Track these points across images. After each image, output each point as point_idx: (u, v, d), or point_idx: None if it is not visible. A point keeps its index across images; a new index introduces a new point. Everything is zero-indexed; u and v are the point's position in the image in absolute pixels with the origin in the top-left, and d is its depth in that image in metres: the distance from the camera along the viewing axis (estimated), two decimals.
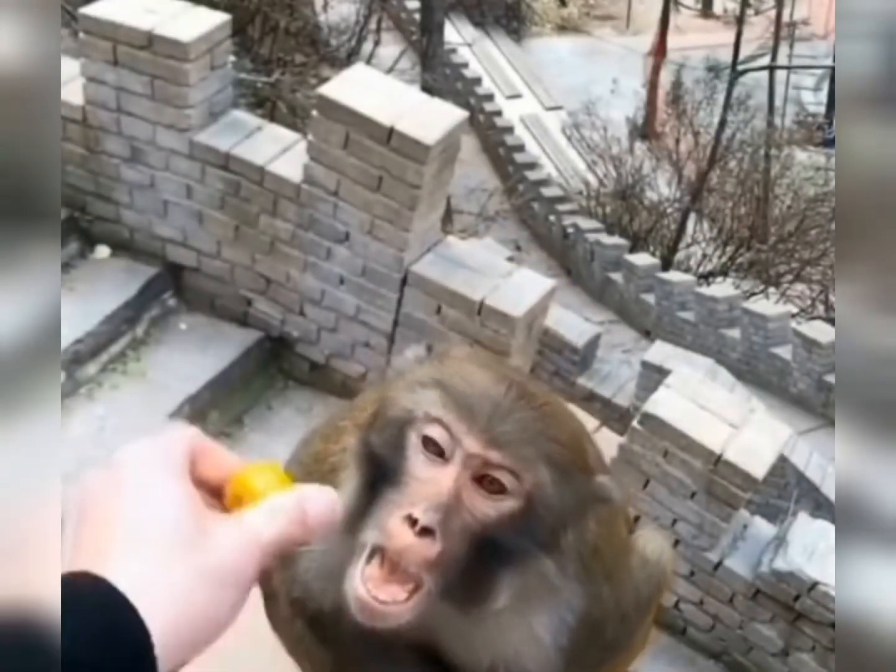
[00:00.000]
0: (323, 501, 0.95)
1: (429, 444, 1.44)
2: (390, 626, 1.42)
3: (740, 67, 19.63)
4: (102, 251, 4.67)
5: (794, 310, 14.67)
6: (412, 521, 1.37)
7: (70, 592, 0.77)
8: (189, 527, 0.87)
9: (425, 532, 1.36)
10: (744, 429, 4.33)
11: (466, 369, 1.52)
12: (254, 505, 0.92)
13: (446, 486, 1.40)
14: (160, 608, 0.81)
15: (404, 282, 4.26)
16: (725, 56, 20.49)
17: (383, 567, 1.41)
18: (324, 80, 6.30)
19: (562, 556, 1.51)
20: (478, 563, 1.43)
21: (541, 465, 1.44)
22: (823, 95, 23.35)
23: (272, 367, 4.69)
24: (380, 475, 1.46)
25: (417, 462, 1.44)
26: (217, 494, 0.95)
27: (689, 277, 13.92)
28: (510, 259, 7.90)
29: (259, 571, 0.90)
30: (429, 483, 1.41)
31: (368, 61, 12.69)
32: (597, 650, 1.77)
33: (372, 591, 1.39)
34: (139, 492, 0.88)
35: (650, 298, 13.45)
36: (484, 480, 1.42)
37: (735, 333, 12.15)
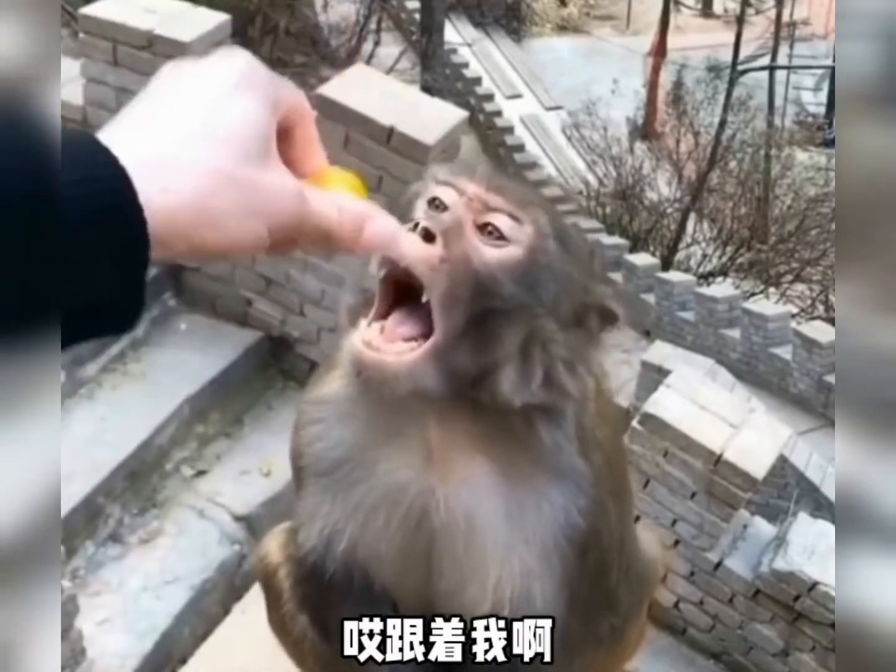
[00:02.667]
0: (385, 228, 0.91)
1: (434, 202, 1.42)
2: (392, 384, 1.36)
3: (740, 67, 19.63)
4: None
5: (794, 310, 14.66)
6: (414, 226, 1.33)
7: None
8: (248, 143, 0.81)
9: (427, 235, 1.33)
10: (744, 429, 4.33)
11: (481, 161, 1.56)
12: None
13: (448, 215, 1.38)
14: (171, 186, 0.75)
15: None
16: (726, 56, 20.48)
17: (386, 323, 1.36)
18: (324, 80, 6.29)
19: (566, 328, 1.44)
20: (481, 322, 1.38)
21: (541, 213, 1.43)
22: (823, 95, 23.35)
23: (272, 367, 4.69)
24: None
25: (423, 212, 1.42)
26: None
27: (689, 277, 13.91)
28: None
29: (277, 238, 0.83)
30: (433, 216, 1.39)
31: (368, 61, 12.70)
32: (600, 601, 1.70)
33: (373, 344, 1.35)
34: (218, 91, 0.82)
35: (650, 298, 13.44)
36: (485, 229, 1.40)
37: (735, 333, 12.14)
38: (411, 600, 1.71)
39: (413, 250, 1.31)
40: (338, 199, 0.88)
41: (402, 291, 1.37)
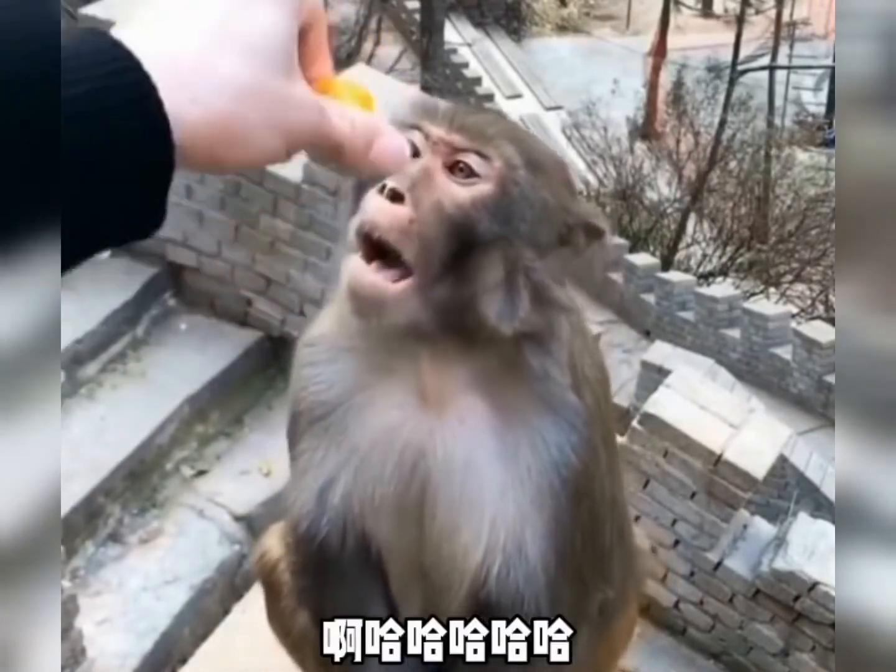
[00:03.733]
0: (394, 145, 0.89)
1: None
2: (384, 311, 1.40)
3: (740, 67, 19.62)
4: (103, 252, 4.68)
5: (794, 310, 14.66)
6: (383, 189, 1.37)
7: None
8: (275, 54, 0.78)
9: (394, 196, 1.37)
10: (744, 429, 4.33)
11: (446, 102, 1.54)
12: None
13: (416, 166, 1.40)
14: (202, 98, 0.72)
15: None
16: (726, 56, 20.48)
17: (374, 254, 1.39)
18: None
19: (546, 258, 1.45)
20: (462, 257, 1.40)
21: (508, 145, 1.43)
22: (823, 95, 23.35)
23: (272, 367, 4.69)
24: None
25: None
26: None
27: (689, 277, 13.91)
28: None
29: (292, 151, 0.81)
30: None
31: (368, 61, 12.70)
32: (593, 563, 1.68)
33: (363, 273, 1.39)
34: None
35: (650, 298, 13.44)
36: (455, 168, 1.42)
37: (735, 333, 12.14)
38: (403, 564, 1.70)
39: (382, 217, 1.36)
40: (350, 112, 0.87)
41: (380, 245, 1.40)
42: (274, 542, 1.93)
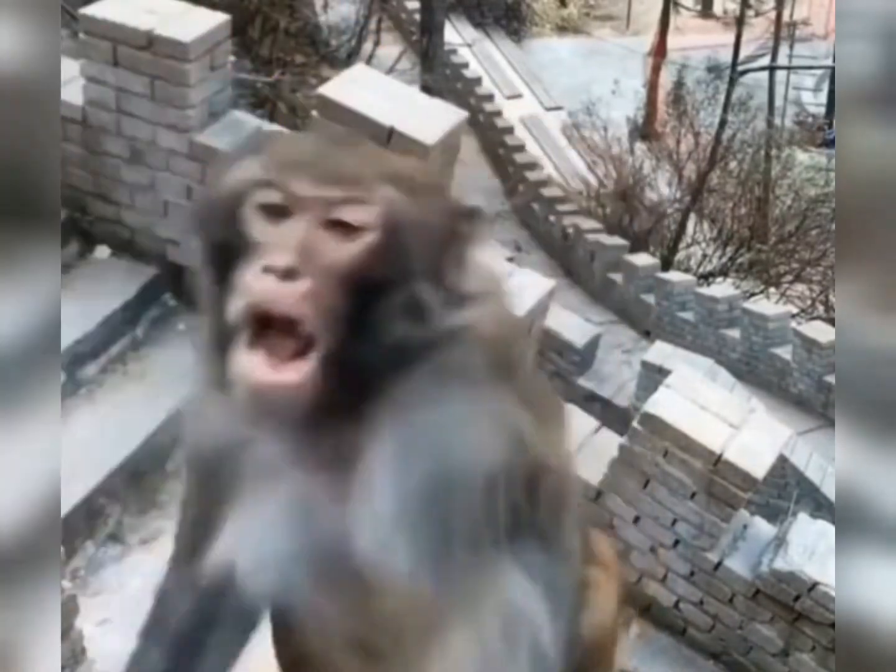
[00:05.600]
0: None
1: (266, 210, 1.35)
2: (286, 405, 1.32)
3: (740, 68, 19.62)
4: (103, 252, 4.67)
5: (794, 310, 14.67)
6: (269, 270, 1.29)
7: None
8: None
9: (286, 274, 1.29)
10: (744, 429, 4.33)
11: (281, 137, 1.51)
12: None
13: (295, 234, 1.32)
14: None
15: None
16: (726, 56, 20.48)
17: (269, 343, 1.31)
18: (324, 80, 6.30)
19: (448, 292, 1.39)
20: (363, 313, 1.33)
21: (385, 186, 1.35)
22: (823, 96, 23.35)
23: None
24: (229, 264, 1.35)
25: (261, 230, 1.34)
26: None
27: (689, 277, 13.92)
28: (510, 259, 7.90)
29: None
30: (277, 238, 1.32)
31: (368, 61, 12.70)
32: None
33: (258, 376, 1.29)
34: None
35: (650, 298, 13.44)
36: (334, 226, 1.33)
37: (735, 333, 12.15)
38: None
39: (277, 296, 1.28)
40: None
41: (277, 322, 1.32)
42: None
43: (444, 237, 1.41)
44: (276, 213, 1.35)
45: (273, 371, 1.30)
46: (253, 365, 1.30)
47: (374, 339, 1.35)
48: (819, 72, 23.86)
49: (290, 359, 1.31)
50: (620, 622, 2.10)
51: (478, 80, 19.83)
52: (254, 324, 1.31)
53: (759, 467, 4.24)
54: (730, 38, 20.13)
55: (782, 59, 22.49)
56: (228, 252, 1.36)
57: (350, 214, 1.34)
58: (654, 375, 8.21)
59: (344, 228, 1.34)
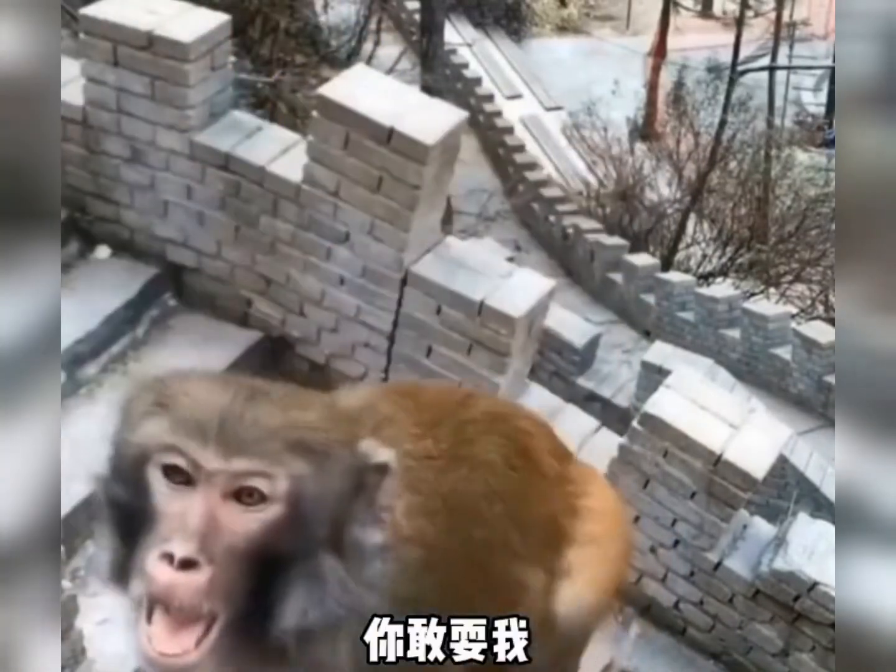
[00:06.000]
0: None
1: (170, 473, 1.36)
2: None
3: (740, 68, 19.62)
4: (103, 251, 4.67)
5: (794, 310, 14.67)
6: (169, 558, 1.30)
7: None
8: None
9: (186, 564, 1.29)
10: (744, 429, 4.32)
11: (189, 386, 1.42)
12: None
13: (197, 512, 1.31)
14: None
15: (404, 282, 4.25)
16: (726, 57, 20.48)
17: (168, 616, 1.34)
18: (324, 80, 6.30)
19: (355, 548, 1.41)
20: (266, 582, 1.33)
21: (291, 458, 1.34)
22: (823, 96, 23.35)
23: (272, 367, 4.69)
24: (132, 520, 1.38)
25: (164, 495, 1.35)
26: None
27: (689, 278, 13.92)
28: (510, 259, 7.90)
29: None
30: (180, 514, 1.33)
31: (368, 62, 12.69)
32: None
33: (157, 648, 1.33)
34: None
35: (650, 298, 13.44)
36: (239, 494, 1.33)
37: (735, 334, 12.14)
38: None
39: (177, 590, 1.30)
40: None
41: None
42: None
43: (349, 496, 1.41)
44: (180, 478, 1.35)
45: (171, 641, 1.33)
46: (151, 638, 1.35)
47: (276, 609, 1.35)
48: (819, 72, 23.86)
49: (190, 625, 1.33)
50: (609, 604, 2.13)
51: (478, 80, 19.83)
52: (153, 604, 1.34)
53: (758, 467, 4.24)
54: (730, 38, 20.13)
55: (782, 60, 22.49)
56: (134, 505, 1.37)
57: (258, 483, 1.34)
58: (654, 375, 8.21)
59: (252, 499, 1.34)
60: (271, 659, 1.42)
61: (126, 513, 1.39)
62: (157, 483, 1.36)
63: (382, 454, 1.45)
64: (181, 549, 1.29)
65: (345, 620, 1.41)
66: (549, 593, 2.00)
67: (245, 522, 1.33)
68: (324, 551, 1.38)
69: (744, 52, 20.45)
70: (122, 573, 1.41)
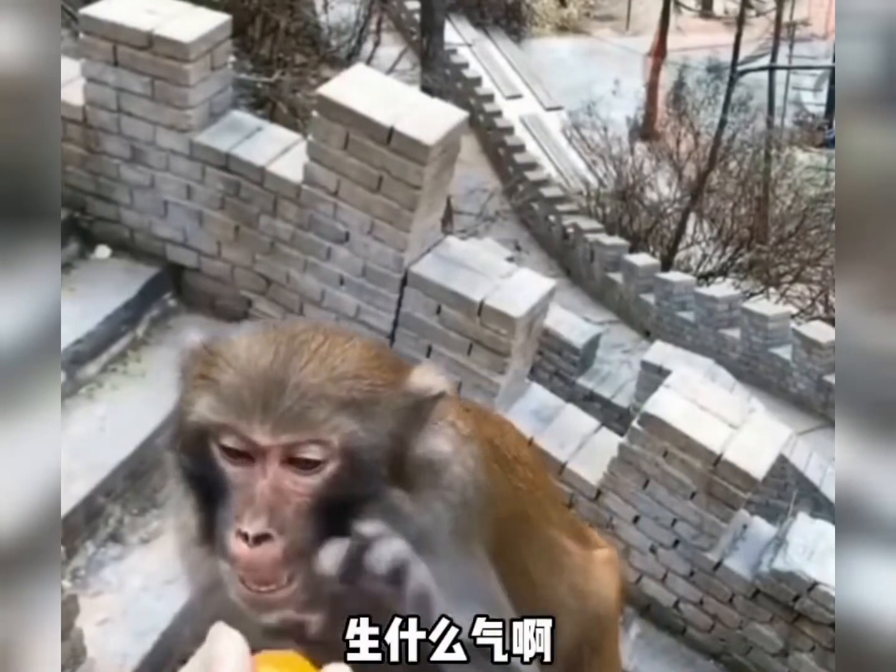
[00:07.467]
0: None
1: (228, 451, 1.43)
2: (281, 611, 1.42)
3: (740, 68, 19.63)
4: (103, 251, 4.67)
5: (794, 310, 14.66)
6: (244, 536, 1.37)
7: None
8: None
9: (260, 539, 1.37)
10: (744, 429, 4.33)
11: (232, 354, 1.49)
12: None
13: (260, 486, 1.40)
14: None
15: (404, 282, 4.26)
16: (726, 57, 20.49)
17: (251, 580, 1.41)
18: (324, 80, 6.29)
19: (420, 470, 1.48)
20: (335, 527, 1.41)
21: (339, 417, 1.41)
22: (823, 96, 23.36)
23: None
24: (207, 488, 1.46)
25: (228, 470, 1.43)
26: None
27: (688, 277, 13.92)
28: (510, 259, 7.90)
29: None
30: (245, 487, 1.41)
31: (368, 62, 12.69)
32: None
33: (246, 590, 1.40)
34: None
35: (650, 298, 13.45)
36: (294, 462, 1.41)
37: (735, 333, 12.14)
38: None
39: (257, 567, 1.38)
40: None
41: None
42: None
43: (406, 429, 1.47)
44: (239, 454, 1.42)
45: (261, 589, 1.41)
46: (242, 586, 1.41)
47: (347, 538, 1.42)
48: (819, 72, 23.86)
49: (274, 562, 1.40)
50: (621, 607, 2.17)
51: (478, 80, 19.84)
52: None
53: (758, 467, 4.24)
54: (730, 38, 20.12)
55: (782, 59, 22.49)
56: (204, 473, 1.46)
57: (309, 454, 1.41)
58: (654, 375, 8.21)
59: (308, 465, 1.41)
60: (354, 595, 1.47)
61: (200, 482, 1.47)
62: (220, 458, 1.44)
63: (434, 383, 1.50)
64: (253, 527, 1.37)
65: (418, 545, 1.47)
66: (585, 567, 2.07)
67: (307, 485, 1.41)
68: (389, 485, 1.45)
69: (744, 52, 20.44)
70: (208, 536, 1.47)
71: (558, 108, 21.70)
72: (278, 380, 1.41)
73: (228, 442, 1.42)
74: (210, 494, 1.45)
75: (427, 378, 1.51)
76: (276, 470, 1.40)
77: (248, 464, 1.42)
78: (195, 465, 1.48)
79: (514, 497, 1.81)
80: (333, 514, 1.41)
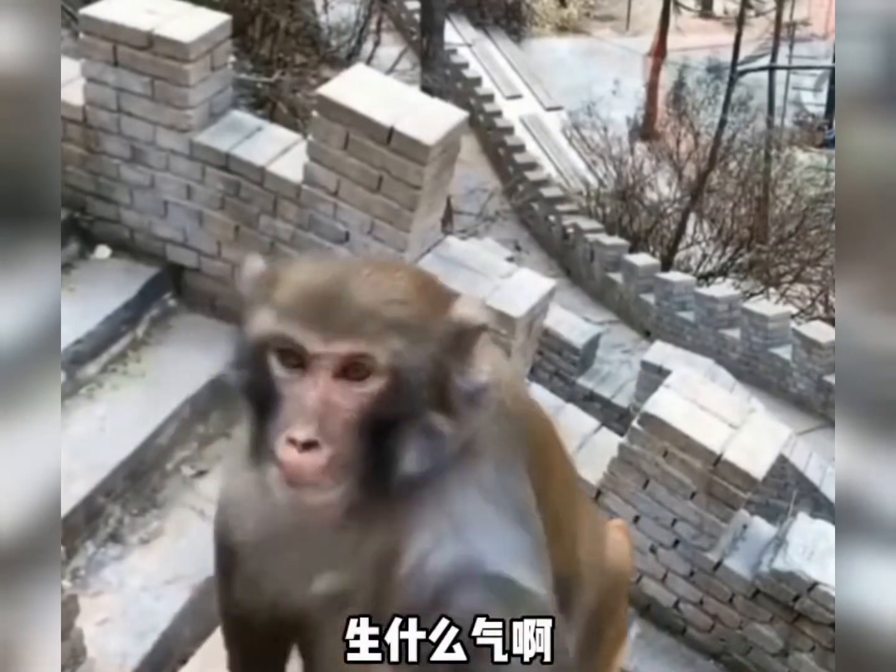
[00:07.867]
0: None
1: (283, 357, 1.52)
2: (319, 510, 1.50)
3: (740, 68, 19.63)
4: (103, 252, 4.67)
5: (794, 310, 14.66)
6: (293, 442, 1.46)
7: None
8: None
9: (308, 446, 1.45)
10: (744, 429, 4.33)
11: (291, 273, 1.60)
12: None
13: (311, 396, 1.48)
14: None
15: None
16: (726, 56, 20.48)
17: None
18: (324, 80, 6.29)
19: (461, 399, 1.54)
20: (378, 444, 1.50)
21: (389, 335, 1.49)
22: (823, 96, 23.36)
23: None
24: (263, 401, 1.55)
25: (283, 379, 1.52)
26: None
27: (688, 278, 13.92)
28: (510, 259, 7.90)
29: None
30: (297, 397, 1.49)
31: (368, 62, 12.69)
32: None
33: (293, 495, 1.49)
34: None
35: (650, 298, 13.45)
36: (345, 373, 1.49)
37: (735, 334, 12.15)
38: None
39: (304, 471, 1.46)
40: None
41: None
42: None
43: (448, 357, 1.55)
44: (293, 362, 1.52)
45: (313, 496, 1.50)
46: (288, 490, 1.50)
47: (395, 463, 1.52)
48: (819, 72, 23.86)
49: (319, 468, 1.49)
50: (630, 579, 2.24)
51: (478, 80, 19.84)
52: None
53: (758, 467, 4.24)
54: (730, 38, 20.12)
55: (782, 59, 22.49)
56: (261, 387, 1.55)
57: (361, 362, 1.49)
58: (654, 375, 8.21)
59: (358, 374, 1.49)
60: (391, 506, 1.58)
61: (257, 396, 1.56)
62: (276, 368, 1.53)
63: (476, 314, 1.59)
64: (302, 434, 1.45)
65: (461, 458, 1.58)
66: (603, 532, 2.18)
67: (354, 397, 1.49)
68: (430, 409, 1.53)
69: (744, 52, 20.45)
70: (259, 452, 1.56)
71: (558, 109, 21.70)
72: (333, 296, 1.51)
73: (283, 346, 1.51)
74: (264, 408, 1.53)
75: (470, 309, 1.59)
76: (328, 382, 1.48)
77: (301, 375, 1.50)
78: (254, 378, 1.56)
79: (544, 443, 1.88)
80: (377, 432, 1.49)
